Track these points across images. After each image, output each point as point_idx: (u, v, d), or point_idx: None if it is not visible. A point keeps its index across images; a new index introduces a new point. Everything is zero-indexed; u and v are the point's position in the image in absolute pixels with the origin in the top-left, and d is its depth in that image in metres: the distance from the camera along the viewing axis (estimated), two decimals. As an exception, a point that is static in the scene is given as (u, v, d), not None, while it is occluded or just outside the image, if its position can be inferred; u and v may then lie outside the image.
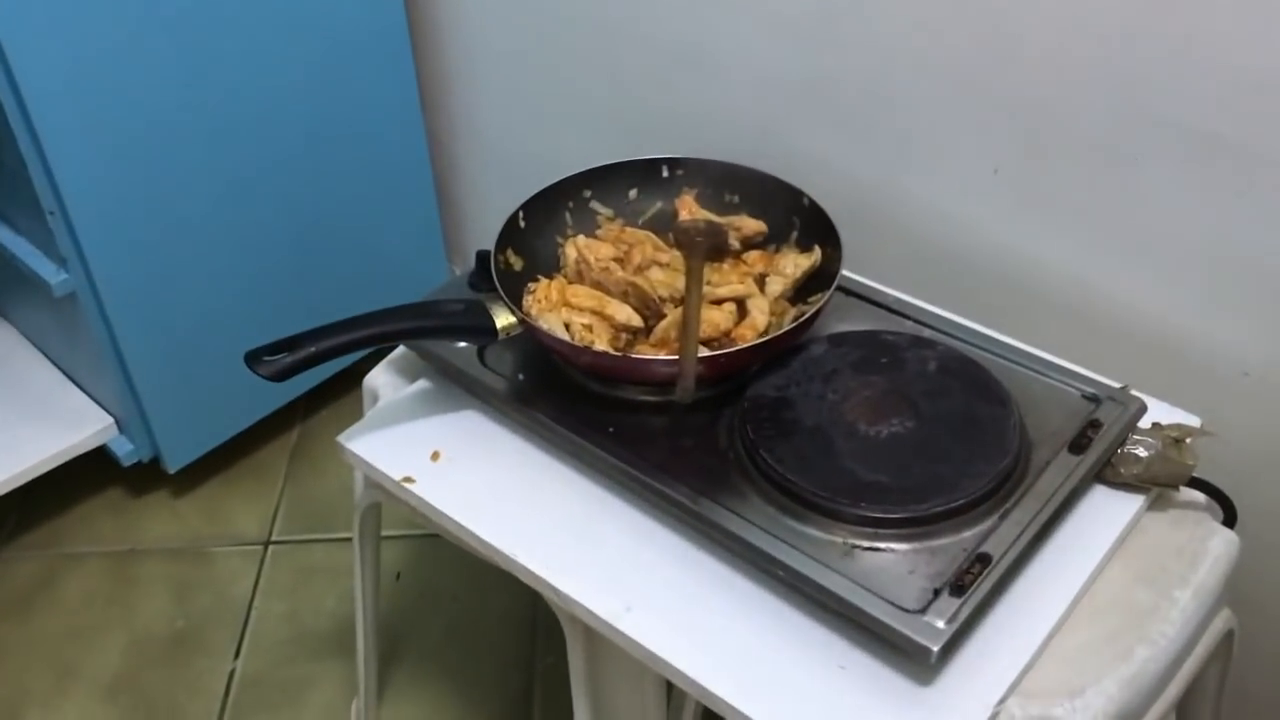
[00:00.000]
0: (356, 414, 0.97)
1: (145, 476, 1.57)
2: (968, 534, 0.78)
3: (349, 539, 1.09)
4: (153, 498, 1.58)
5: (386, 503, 0.98)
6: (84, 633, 1.42)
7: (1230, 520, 0.87)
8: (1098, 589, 0.80)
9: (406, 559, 1.47)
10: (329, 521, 1.54)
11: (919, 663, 0.73)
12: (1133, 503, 0.84)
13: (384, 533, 1.11)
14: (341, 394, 1.66)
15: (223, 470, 1.61)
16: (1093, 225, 0.99)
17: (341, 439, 0.93)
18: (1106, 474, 0.84)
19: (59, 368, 1.57)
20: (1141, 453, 0.84)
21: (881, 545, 0.78)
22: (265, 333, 0.87)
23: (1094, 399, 0.87)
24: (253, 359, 0.82)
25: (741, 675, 0.75)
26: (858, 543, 0.79)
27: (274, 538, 1.52)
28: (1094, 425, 0.85)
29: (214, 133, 1.34)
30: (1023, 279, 1.05)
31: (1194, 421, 0.88)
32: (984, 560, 0.76)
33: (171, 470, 1.52)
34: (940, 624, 0.72)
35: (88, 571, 1.49)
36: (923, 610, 0.73)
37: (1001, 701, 0.73)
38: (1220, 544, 0.83)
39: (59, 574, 1.49)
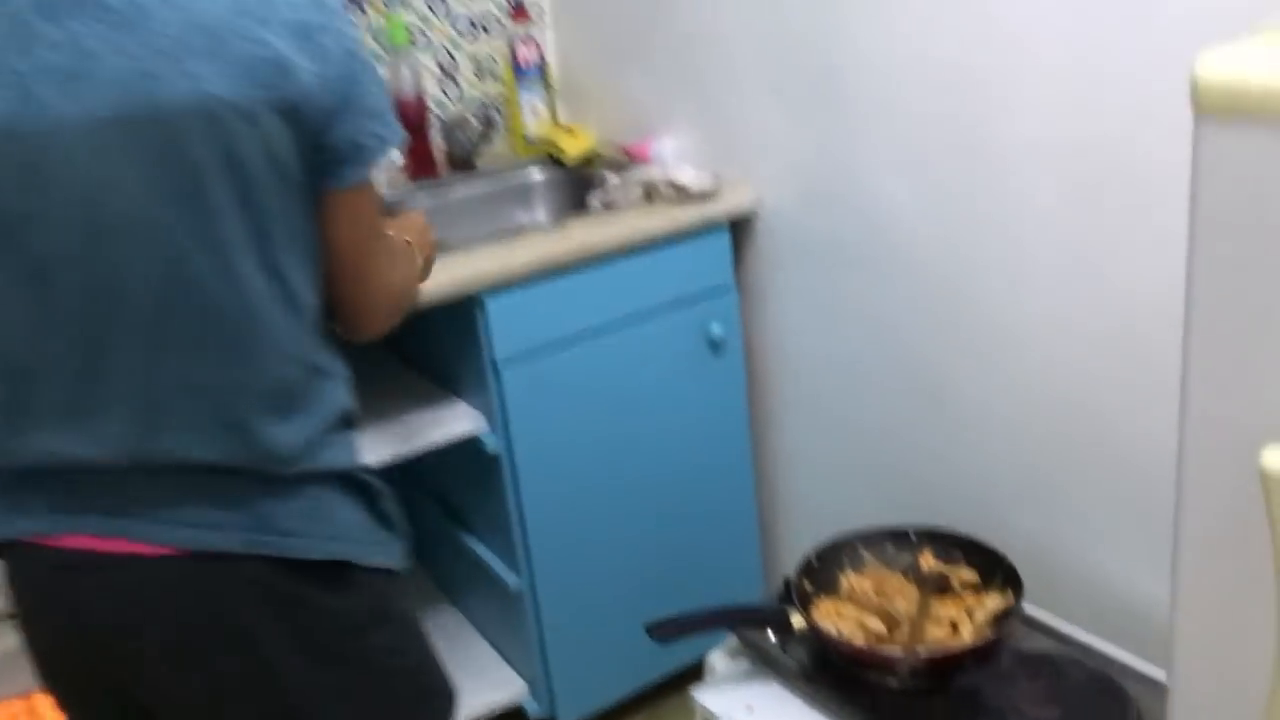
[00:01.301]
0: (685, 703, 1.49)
1: (540, 729, 2.13)
2: (1089, 786, 1.19)
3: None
4: (542, 747, 2.13)
5: (717, 742, 1.49)
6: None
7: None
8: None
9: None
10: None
11: None
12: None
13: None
14: (671, 693, 2.15)
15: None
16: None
17: (692, 690, 1.47)
18: (1205, 763, 1.22)
19: (487, 640, 2.19)
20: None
21: (1031, 788, 1.21)
22: (639, 625, 1.42)
23: (1198, 710, 1.26)
24: (650, 629, 1.39)
25: None
26: (1016, 785, 1.22)
27: (624, 787, 2.03)
28: (1192, 727, 1.24)
29: (618, 481, 1.97)
30: (1158, 616, 1.45)
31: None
32: (1097, 802, 1.17)
33: (562, 726, 2.07)
34: (1060, 837, 1.13)
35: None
36: (1051, 828, 1.15)
37: None
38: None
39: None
